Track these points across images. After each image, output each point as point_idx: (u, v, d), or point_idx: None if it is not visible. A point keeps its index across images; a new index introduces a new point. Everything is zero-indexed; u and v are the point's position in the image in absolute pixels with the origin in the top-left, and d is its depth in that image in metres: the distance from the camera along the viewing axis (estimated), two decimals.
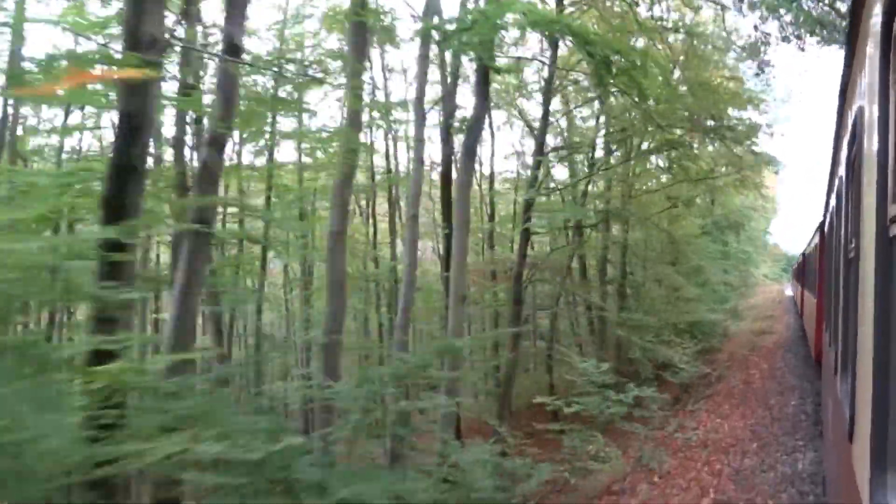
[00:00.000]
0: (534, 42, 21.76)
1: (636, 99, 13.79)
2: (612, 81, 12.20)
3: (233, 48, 9.21)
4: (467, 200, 14.43)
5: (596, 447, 10.85)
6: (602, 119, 23.10)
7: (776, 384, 15.03)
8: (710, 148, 24.11)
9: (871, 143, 2.52)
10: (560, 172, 26.16)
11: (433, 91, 23.71)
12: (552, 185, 22.50)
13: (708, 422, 12.54)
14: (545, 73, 19.88)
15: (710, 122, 18.47)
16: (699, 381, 19.16)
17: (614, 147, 23.62)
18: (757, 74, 19.14)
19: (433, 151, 25.65)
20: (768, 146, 41.48)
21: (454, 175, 20.16)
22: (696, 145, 26.02)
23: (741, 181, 20.92)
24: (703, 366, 20.62)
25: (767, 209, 44.13)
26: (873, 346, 2.34)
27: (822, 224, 9.86)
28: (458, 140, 29.48)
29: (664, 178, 25.87)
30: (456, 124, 19.52)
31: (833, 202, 6.26)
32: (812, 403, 11.72)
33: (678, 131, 19.51)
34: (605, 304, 23.52)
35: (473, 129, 14.20)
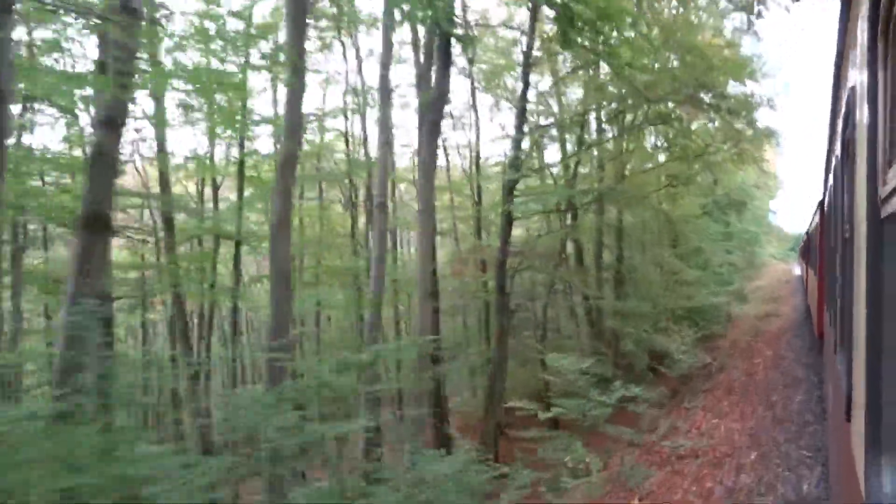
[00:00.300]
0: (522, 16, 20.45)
1: (605, 58, 12.39)
2: (578, 40, 10.79)
3: (129, 9, 7.91)
4: (431, 183, 13.10)
5: (574, 458, 9.54)
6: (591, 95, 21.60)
7: (780, 375, 13.69)
8: (709, 125, 22.76)
9: (862, 127, 2.57)
10: (552, 155, 24.84)
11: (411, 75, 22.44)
12: (538, 165, 21.04)
13: (703, 422, 11.22)
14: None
15: (704, 94, 17.04)
16: (699, 372, 17.82)
17: (605, 124, 22.18)
18: (748, 28, 17.67)
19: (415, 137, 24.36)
20: (769, 119, 39.88)
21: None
22: (689, 119, 24.76)
23: (739, 155, 19.45)
24: (704, 354, 19.31)
25: (770, 187, 42.56)
26: (866, 328, 2.39)
27: (822, 202, 9.75)
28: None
29: (661, 158, 24.51)
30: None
31: (831, 180, 6.32)
32: (819, 400, 10.39)
33: (670, 106, 18.14)
34: (600, 291, 22.14)
35: (436, 104, 12.85)
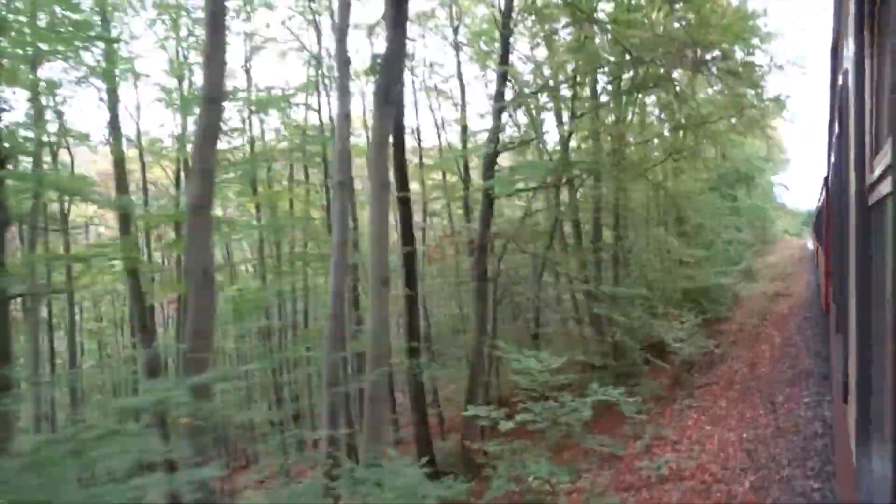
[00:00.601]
0: None
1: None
2: None
3: None
4: (385, 158, 11.51)
5: (537, 476, 8.06)
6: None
7: (787, 367, 12.14)
8: (710, 91, 21.00)
9: (851, 114, 2.72)
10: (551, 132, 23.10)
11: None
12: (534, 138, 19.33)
13: (694, 431, 9.72)
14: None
15: (703, 54, 15.31)
16: (702, 359, 16.31)
17: (600, 90, 20.35)
18: None
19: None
20: (780, 88, 37.74)
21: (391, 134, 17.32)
22: (689, 84, 22.97)
23: (744, 122, 17.75)
24: (708, 339, 17.78)
25: (780, 160, 40.66)
26: (856, 314, 2.51)
27: (826, 177, 9.75)
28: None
29: (665, 131, 22.78)
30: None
31: (833, 157, 6.18)
32: (830, 404, 8.85)
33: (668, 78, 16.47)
34: (599, 274, 20.44)
35: (388, 68, 11.26)
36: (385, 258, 11.39)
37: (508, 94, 17.91)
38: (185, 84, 23.30)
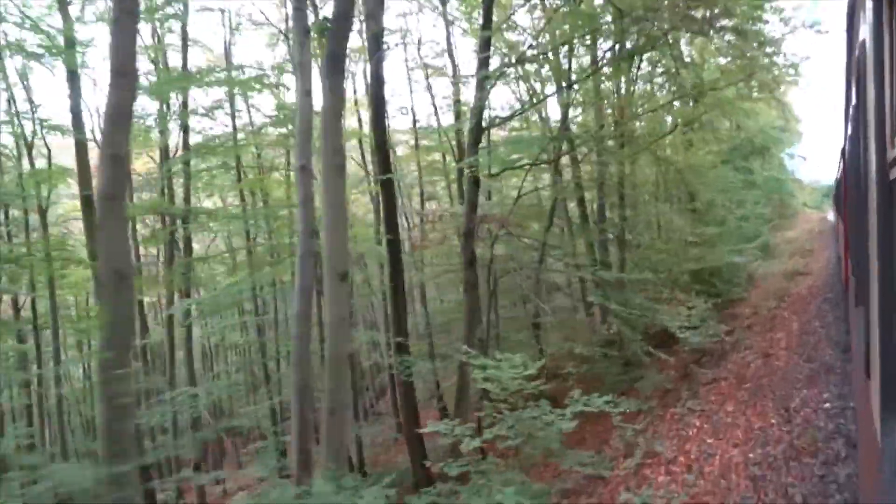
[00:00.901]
0: None
1: None
2: None
3: None
4: (337, 132, 10.09)
5: None
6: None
7: (805, 360, 10.74)
8: (722, 60, 19.36)
9: (871, 87, 2.56)
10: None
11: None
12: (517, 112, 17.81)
13: (694, 444, 8.36)
14: None
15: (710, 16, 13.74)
16: (713, 347, 14.92)
17: (601, 59, 18.71)
18: None
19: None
20: (794, 49, 35.58)
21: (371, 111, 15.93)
22: (697, 51, 21.33)
23: (754, 88, 16.18)
24: (721, 324, 16.37)
25: (794, 130, 38.73)
26: (879, 287, 2.44)
27: (843, 149, 9.27)
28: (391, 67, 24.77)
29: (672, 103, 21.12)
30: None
31: (849, 128, 6.01)
32: (854, 410, 7.46)
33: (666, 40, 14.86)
34: (605, 257, 18.91)
35: (337, 31, 9.90)
36: (342, 249, 10.08)
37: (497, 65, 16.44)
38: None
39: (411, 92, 30.73)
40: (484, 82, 14.64)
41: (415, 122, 27.03)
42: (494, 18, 16.11)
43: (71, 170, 19.02)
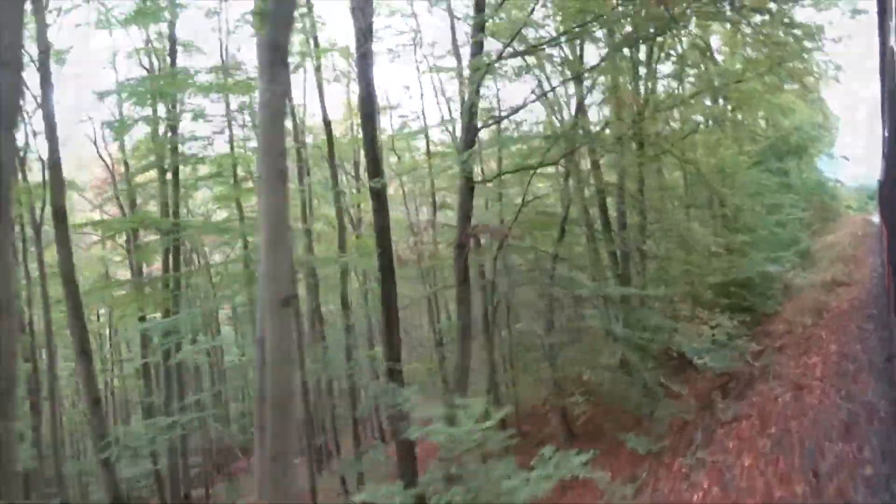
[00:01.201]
0: None
1: None
2: None
3: None
4: (278, 139, 8.56)
5: None
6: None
7: (843, 397, 9.01)
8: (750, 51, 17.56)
9: None
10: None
11: None
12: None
13: None
14: None
15: None
16: (740, 370, 13.21)
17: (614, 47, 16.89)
18: None
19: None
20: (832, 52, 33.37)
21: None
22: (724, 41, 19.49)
23: (781, 75, 14.42)
24: (751, 342, 14.67)
25: (832, 127, 36.39)
26: None
27: (884, 151, 8.69)
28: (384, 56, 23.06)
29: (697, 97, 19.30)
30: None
31: (889, 129, 5.75)
32: None
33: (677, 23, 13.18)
34: (626, 270, 17.09)
35: (277, 15, 8.50)
36: (285, 269, 8.60)
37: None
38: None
39: (422, 96, 29.35)
40: (476, 73, 13.06)
41: (426, 128, 25.57)
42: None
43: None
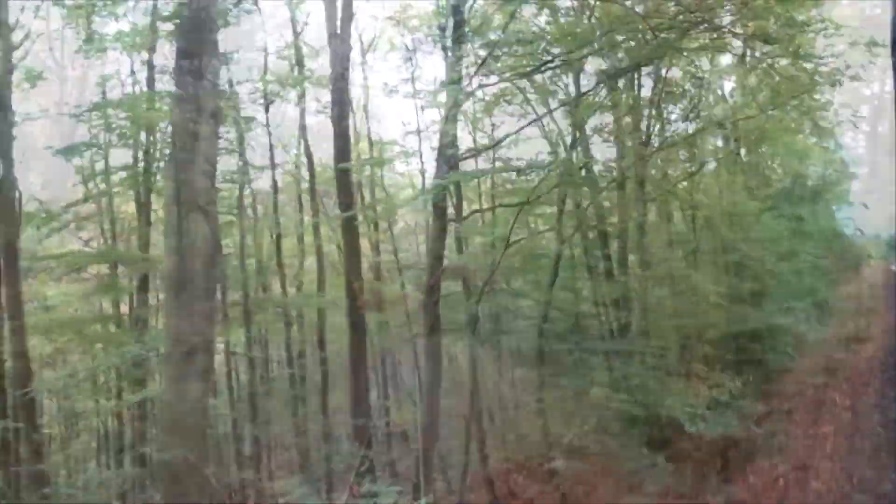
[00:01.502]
0: None
1: None
2: None
3: None
4: (195, 162, 7.40)
5: None
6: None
7: (854, 485, 7.56)
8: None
9: None
10: None
11: None
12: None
13: None
14: None
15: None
16: (743, 437, 11.71)
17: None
18: None
19: None
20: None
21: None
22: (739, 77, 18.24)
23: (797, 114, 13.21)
24: (757, 402, 13.20)
25: (849, 173, 34.98)
26: None
27: None
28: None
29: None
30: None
31: None
32: None
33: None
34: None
35: (191, 23, 7.28)
36: (192, 318, 7.37)
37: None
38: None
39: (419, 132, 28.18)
40: (450, 100, 11.72)
41: (420, 153, 24.35)
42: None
43: None
